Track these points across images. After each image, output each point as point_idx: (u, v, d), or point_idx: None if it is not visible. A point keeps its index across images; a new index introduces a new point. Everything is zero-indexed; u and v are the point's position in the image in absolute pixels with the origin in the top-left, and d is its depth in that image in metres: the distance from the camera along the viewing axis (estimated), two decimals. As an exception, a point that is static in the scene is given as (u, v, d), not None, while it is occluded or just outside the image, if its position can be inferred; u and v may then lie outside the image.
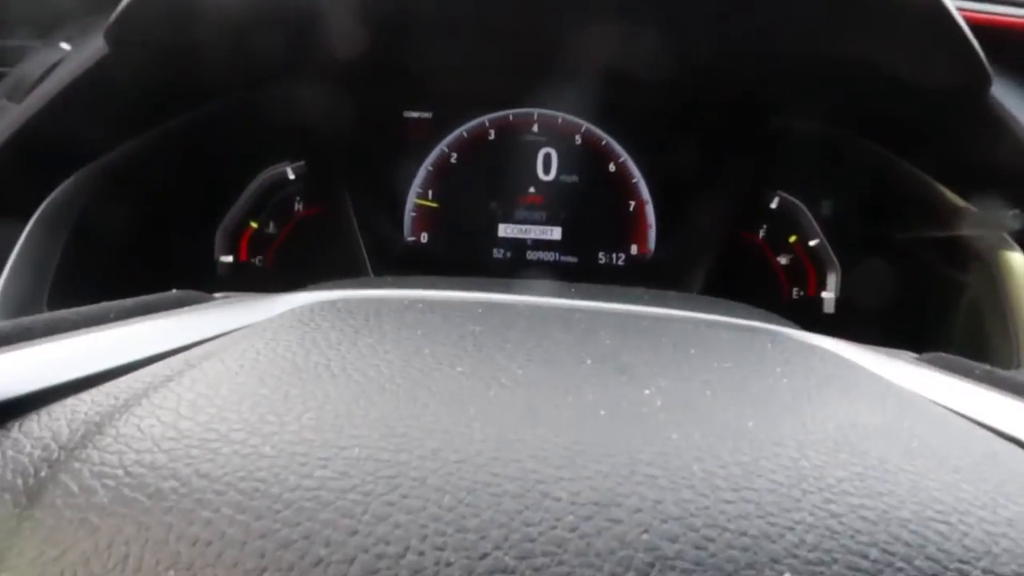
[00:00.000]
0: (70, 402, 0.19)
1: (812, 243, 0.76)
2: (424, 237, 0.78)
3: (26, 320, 0.26)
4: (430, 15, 0.60)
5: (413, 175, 0.78)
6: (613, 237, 0.78)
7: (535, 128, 0.79)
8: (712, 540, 0.15)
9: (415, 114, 0.78)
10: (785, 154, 0.73)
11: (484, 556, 0.14)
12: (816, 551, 0.15)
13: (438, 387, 0.20)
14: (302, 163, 0.76)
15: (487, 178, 0.78)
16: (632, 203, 0.78)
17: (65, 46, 0.54)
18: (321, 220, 0.77)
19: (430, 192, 0.78)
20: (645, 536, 0.15)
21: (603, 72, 0.71)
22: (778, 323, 0.31)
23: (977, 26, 0.54)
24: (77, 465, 0.17)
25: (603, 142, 0.78)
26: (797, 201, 0.76)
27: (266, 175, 0.76)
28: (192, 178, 0.70)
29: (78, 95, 0.54)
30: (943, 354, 0.28)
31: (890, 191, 0.68)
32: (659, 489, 0.16)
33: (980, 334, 0.60)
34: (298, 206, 0.77)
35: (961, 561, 0.15)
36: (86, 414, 0.19)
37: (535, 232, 0.78)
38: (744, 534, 0.15)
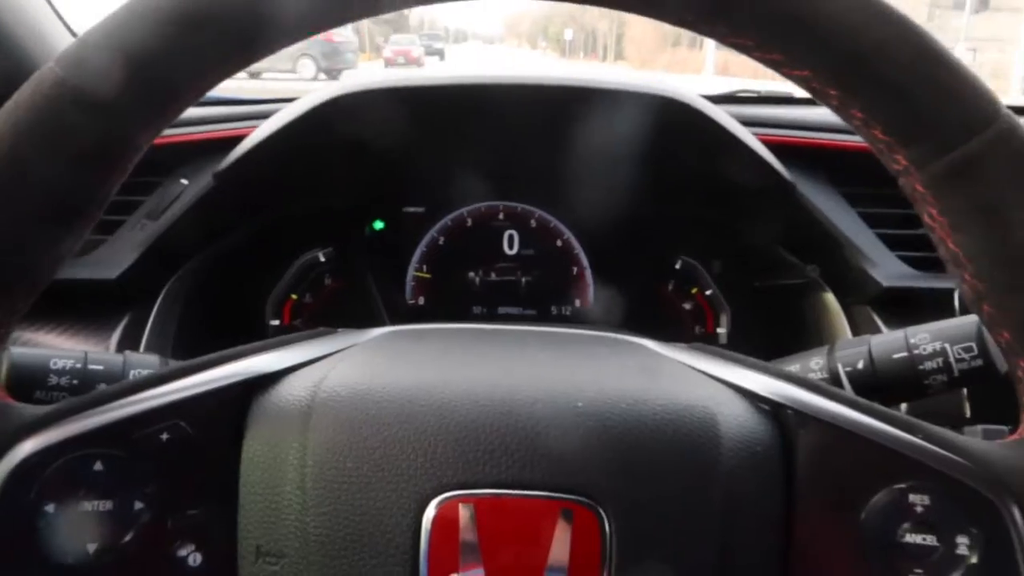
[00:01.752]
0: (299, 371, 0.45)
1: (707, 293, 1.03)
2: (421, 300, 1.05)
3: (227, 352, 0.51)
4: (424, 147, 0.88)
5: (412, 254, 1.05)
6: (562, 295, 1.05)
7: (501, 216, 1.06)
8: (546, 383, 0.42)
9: (412, 209, 1.05)
10: (682, 230, 1.01)
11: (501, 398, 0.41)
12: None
13: (474, 361, 0.46)
14: (330, 249, 1.02)
15: (466, 254, 1.05)
16: (575, 268, 1.05)
17: (184, 182, 0.81)
18: (344, 291, 1.03)
19: (424, 266, 1.05)
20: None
21: (547, 176, 1.00)
22: (627, 336, 0.57)
23: (779, 146, 0.83)
24: (326, 389, 0.43)
25: (551, 224, 1.06)
26: (695, 262, 1.03)
27: (303, 259, 1.02)
28: (251, 265, 0.96)
29: (191, 217, 0.81)
30: (701, 344, 0.54)
31: (751, 254, 0.96)
32: (537, 385, 0.43)
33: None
34: (327, 280, 1.03)
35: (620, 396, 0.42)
36: (306, 377, 0.45)
37: (504, 293, 1.05)
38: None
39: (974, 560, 0.41)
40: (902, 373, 0.57)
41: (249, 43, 0.37)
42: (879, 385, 0.57)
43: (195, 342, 0.83)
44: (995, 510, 0.41)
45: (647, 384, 0.44)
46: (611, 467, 0.39)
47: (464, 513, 0.38)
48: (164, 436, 0.42)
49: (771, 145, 0.82)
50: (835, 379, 0.59)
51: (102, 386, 0.53)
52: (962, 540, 0.41)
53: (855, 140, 0.88)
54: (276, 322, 1.01)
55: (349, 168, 0.88)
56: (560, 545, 0.38)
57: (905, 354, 0.57)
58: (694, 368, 0.48)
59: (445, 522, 0.38)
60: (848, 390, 0.57)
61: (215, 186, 0.80)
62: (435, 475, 0.39)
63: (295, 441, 0.41)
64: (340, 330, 0.53)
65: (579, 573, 0.38)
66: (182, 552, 0.42)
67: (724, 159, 0.82)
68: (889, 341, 0.58)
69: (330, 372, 0.44)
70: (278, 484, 0.40)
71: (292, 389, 0.43)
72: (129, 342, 0.78)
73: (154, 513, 0.41)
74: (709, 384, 0.46)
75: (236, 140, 0.81)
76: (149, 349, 0.79)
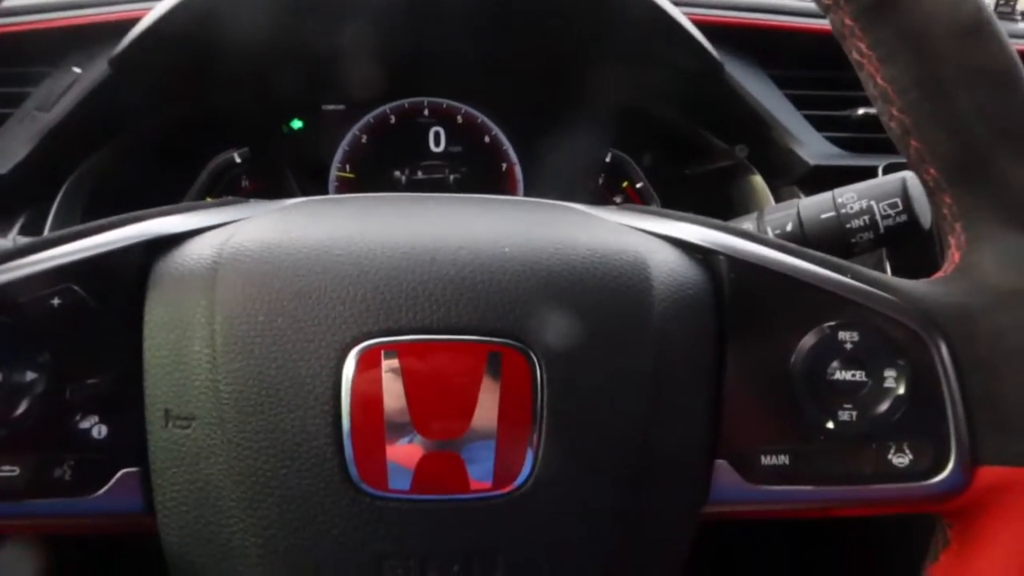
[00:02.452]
0: (206, 233, 0.42)
1: (638, 185, 1.01)
2: (346, 201, 1.01)
3: (126, 215, 0.47)
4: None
5: (333, 153, 1.00)
6: (491, 191, 1.02)
7: (426, 112, 1.02)
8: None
9: (331, 107, 1.00)
10: (611, 123, 0.99)
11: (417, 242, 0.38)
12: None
13: (396, 216, 0.44)
14: (246, 149, 0.96)
15: (391, 152, 1.01)
16: (504, 165, 1.02)
17: (76, 70, 0.74)
18: (263, 192, 0.98)
19: (347, 166, 1.01)
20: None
21: (473, 68, 0.96)
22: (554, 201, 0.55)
23: (709, 26, 0.81)
24: (233, 245, 0.40)
25: (479, 120, 1.02)
26: (624, 155, 1.02)
27: (217, 160, 0.96)
28: (161, 165, 0.90)
29: (86, 109, 0.74)
30: (632, 204, 0.53)
31: (682, 142, 0.95)
32: (461, 232, 0.40)
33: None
34: (244, 183, 0.98)
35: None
36: (214, 236, 0.41)
37: (431, 191, 1.02)
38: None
39: (901, 391, 0.41)
40: (830, 233, 0.57)
41: None
42: (808, 246, 0.57)
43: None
44: (922, 342, 0.41)
45: (576, 232, 0.42)
46: (540, 309, 0.38)
47: (387, 361, 0.36)
48: (55, 301, 0.38)
49: (699, 25, 0.80)
50: (765, 242, 0.59)
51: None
52: (890, 373, 0.42)
53: (784, 20, 0.86)
54: (192, 228, 0.96)
55: (257, 58, 0.82)
56: (489, 390, 0.37)
57: (832, 214, 0.57)
58: (624, 224, 0.47)
59: (367, 371, 0.36)
60: None
61: (111, 74, 0.74)
62: (355, 323, 0.37)
63: (202, 298, 0.38)
64: (252, 200, 0.50)
65: (509, 417, 0.37)
66: (85, 424, 0.39)
67: (653, 37, 0.80)
68: (817, 202, 0.58)
69: (238, 231, 0.41)
70: (185, 344, 0.38)
71: (198, 248, 0.40)
72: (27, 243, 0.72)
73: (50, 383, 0.38)
74: (639, 235, 0.45)
75: (133, 23, 0.75)
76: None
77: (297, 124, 0.98)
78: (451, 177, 1.01)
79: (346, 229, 0.41)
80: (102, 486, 0.39)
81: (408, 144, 1.01)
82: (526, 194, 1.02)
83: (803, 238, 0.57)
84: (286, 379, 0.36)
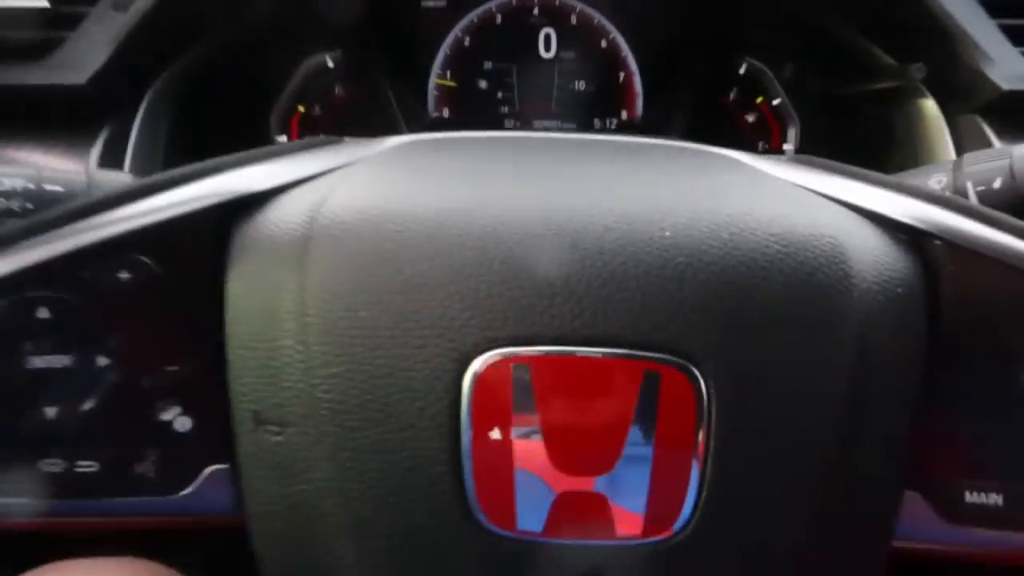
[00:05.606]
0: (293, 190, 0.35)
1: (775, 102, 0.89)
2: (446, 112, 0.92)
3: (199, 165, 0.40)
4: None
5: (433, 58, 0.91)
6: (606, 105, 0.92)
7: (536, 12, 0.91)
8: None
9: (431, 4, 0.90)
10: (750, 23, 0.86)
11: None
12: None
13: (521, 176, 0.35)
14: (339, 52, 0.88)
15: (496, 57, 0.91)
16: (622, 74, 0.91)
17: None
18: (357, 101, 0.90)
19: (448, 72, 0.91)
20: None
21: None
22: (709, 147, 0.46)
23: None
24: (327, 213, 0.33)
25: (595, 21, 0.90)
26: (762, 66, 0.89)
27: (308, 64, 0.88)
28: (250, 70, 0.83)
29: (166, 6, 0.67)
30: (807, 155, 0.43)
31: (835, 53, 0.81)
32: (608, 206, 0.32)
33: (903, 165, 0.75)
34: (338, 89, 0.90)
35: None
36: (302, 198, 0.34)
37: (540, 102, 0.92)
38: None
39: None
40: None
41: None
42: (1022, 207, 0.46)
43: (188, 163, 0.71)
44: None
45: (752, 207, 0.33)
46: (710, 315, 0.30)
47: (517, 376, 0.29)
48: (123, 275, 0.32)
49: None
50: (963, 201, 0.48)
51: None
52: None
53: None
54: (283, 138, 0.90)
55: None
56: (643, 416, 0.29)
57: None
58: (807, 188, 0.37)
59: (492, 388, 0.29)
60: None
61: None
62: (477, 327, 0.29)
63: (290, 282, 0.31)
64: (346, 139, 0.42)
65: (667, 450, 0.29)
66: (166, 416, 0.33)
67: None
68: None
69: (333, 191, 0.34)
70: (273, 336, 0.31)
71: (283, 213, 0.33)
72: (110, 162, 0.67)
73: (124, 370, 0.33)
74: (831, 208, 0.35)
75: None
76: (134, 171, 0.68)
77: (395, 24, 0.89)
78: (562, 87, 0.91)
79: (463, 195, 0.33)
80: (188, 484, 0.34)
81: (515, 48, 0.91)
82: (646, 107, 0.91)
83: (1017, 199, 0.46)
84: (395, 391, 0.30)
